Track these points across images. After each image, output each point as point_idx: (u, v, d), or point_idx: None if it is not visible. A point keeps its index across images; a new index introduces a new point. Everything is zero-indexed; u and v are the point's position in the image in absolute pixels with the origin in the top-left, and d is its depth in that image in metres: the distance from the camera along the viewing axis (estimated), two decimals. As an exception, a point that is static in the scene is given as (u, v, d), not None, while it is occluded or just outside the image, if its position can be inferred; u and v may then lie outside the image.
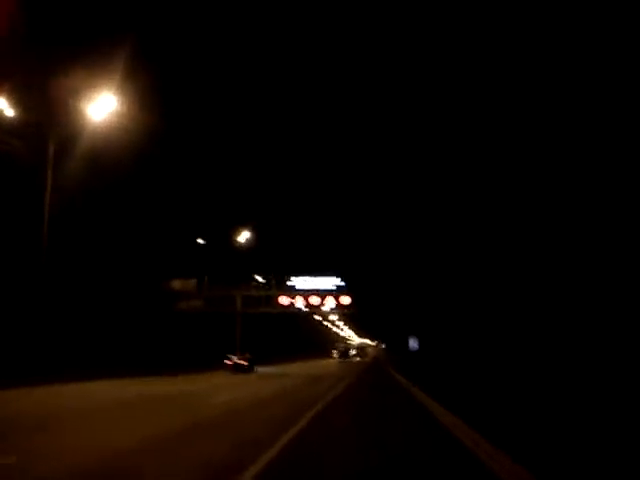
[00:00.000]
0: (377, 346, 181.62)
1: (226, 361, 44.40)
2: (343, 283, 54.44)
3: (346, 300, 53.97)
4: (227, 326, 56.61)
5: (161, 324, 52.32)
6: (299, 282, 55.05)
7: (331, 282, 54.76)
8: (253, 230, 50.88)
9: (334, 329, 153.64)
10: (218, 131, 53.49)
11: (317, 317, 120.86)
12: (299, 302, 54.43)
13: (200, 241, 49.99)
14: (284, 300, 54.52)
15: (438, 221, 46.81)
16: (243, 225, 49.96)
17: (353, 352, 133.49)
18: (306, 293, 54.41)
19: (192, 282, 55.85)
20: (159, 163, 43.66)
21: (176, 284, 55.24)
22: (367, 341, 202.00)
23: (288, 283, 55.07)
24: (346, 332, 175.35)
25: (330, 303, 54.21)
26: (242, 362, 43.86)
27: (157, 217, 49.33)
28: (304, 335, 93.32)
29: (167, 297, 54.40)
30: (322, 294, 54.15)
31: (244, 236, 50.91)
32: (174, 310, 54.57)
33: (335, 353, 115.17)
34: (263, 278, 55.57)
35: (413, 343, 43.49)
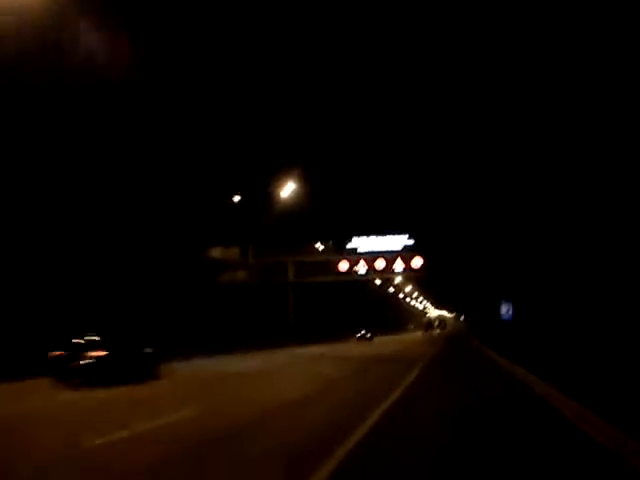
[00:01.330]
0: (455, 318, 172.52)
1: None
2: (412, 242, 45.11)
3: (417, 262, 44.70)
4: (280, 298, 48.47)
5: (204, 299, 44.86)
6: (362, 243, 46.20)
7: (399, 242, 45.66)
8: (302, 182, 42.02)
9: (408, 300, 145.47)
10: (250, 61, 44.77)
11: (390, 289, 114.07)
12: (361, 267, 45.54)
13: (237, 199, 41.77)
14: (344, 265, 45.85)
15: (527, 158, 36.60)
16: (287, 174, 41.09)
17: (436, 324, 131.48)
18: (370, 256, 45.45)
19: (234, 250, 47.94)
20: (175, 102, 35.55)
21: (216, 253, 47.34)
22: (444, 313, 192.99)
23: (349, 245, 46.30)
24: (421, 304, 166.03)
25: (398, 267, 45.13)
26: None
27: (184, 174, 41.55)
28: (373, 308, 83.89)
29: (209, 268, 46.75)
30: (389, 256, 45.03)
31: (289, 189, 42.10)
32: (217, 283, 46.85)
33: (412, 327, 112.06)
34: (320, 242, 46.85)
35: (506, 310, 33.71)
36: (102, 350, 16.30)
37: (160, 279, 38.88)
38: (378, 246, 45.78)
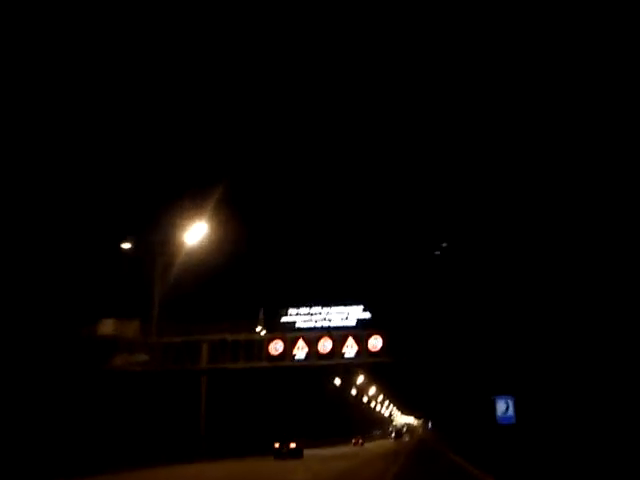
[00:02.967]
0: (423, 425, 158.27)
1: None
2: (369, 315, 33.53)
3: (376, 343, 32.93)
4: (191, 391, 35.62)
5: (83, 393, 32.37)
6: (301, 317, 34.29)
7: (352, 315, 33.87)
8: (219, 223, 30.74)
9: (373, 404, 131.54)
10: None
11: (352, 391, 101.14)
12: (300, 349, 33.44)
13: (126, 246, 30.22)
14: (277, 347, 33.63)
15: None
16: (198, 211, 29.86)
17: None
18: (313, 334, 33.61)
19: (133, 324, 35.53)
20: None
21: (107, 328, 34.89)
22: (411, 420, 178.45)
23: (284, 319, 34.37)
24: (386, 409, 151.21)
25: (350, 349, 33.09)
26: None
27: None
28: (317, 409, 70.00)
29: (93, 350, 34.24)
30: (337, 336, 33.26)
31: (198, 232, 30.55)
32: (103, 371, 34.20)
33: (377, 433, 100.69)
34: (244, 313, 34.98)
35: (504, 409, 21.92)
36: (294, 443, 36.91)
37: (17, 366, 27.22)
38: (323, 321, 34.00)
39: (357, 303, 33.74)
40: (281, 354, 33.65)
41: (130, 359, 35.53)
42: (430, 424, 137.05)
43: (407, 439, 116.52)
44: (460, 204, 32.83)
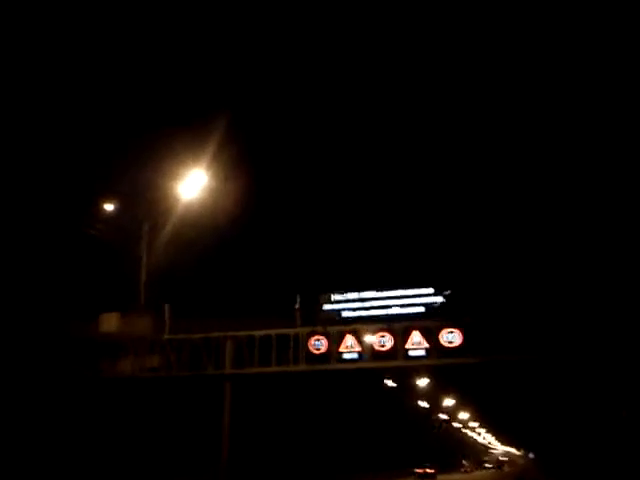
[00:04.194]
0: (524, 456, 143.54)
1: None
2: (440, 300, 24.56)
3: (452, 337, 23.82)
4: (212, 403, 27.63)
5: (78, 405, 25.83)
6: (348, 306, 25.80)
7: (417, 300, 24.96)
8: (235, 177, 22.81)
9: (467, 431, 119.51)
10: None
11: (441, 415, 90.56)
12: (349, 347, 24.95)
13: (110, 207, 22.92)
14: (318, 344, 25.28)
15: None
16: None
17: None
18: (364, 327, 25.07)
19: (144, 319, 28.27)
20: None
21: (108, 324, 27.87)
22: (512, 450, 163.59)
23: (326, 307, 25.98)
24: (481, 436, 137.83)
25: (416, 347, 24.19)
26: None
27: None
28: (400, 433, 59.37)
29: (89, 352, 27.49)
30: (398, 328, 24.57)
31: (196, 185, 22.38)
32: (104, 376, 27.30)
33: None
34: (270, 303, 27.02)
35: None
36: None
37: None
38: (379, 309, 25.36)
39: (425, 285, 24.81)
40: (324, 353, 25.25)
41: (140, 363, 28.26)
42: (532, 455, 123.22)
43: (507, 469, 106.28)
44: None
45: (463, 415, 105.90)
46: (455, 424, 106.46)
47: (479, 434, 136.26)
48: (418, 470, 54.10)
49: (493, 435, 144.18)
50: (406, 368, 25.80)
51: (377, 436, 43.23)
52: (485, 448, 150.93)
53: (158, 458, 26.76)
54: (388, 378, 53.31)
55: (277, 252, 29.12)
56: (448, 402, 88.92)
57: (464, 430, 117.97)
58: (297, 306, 26.50)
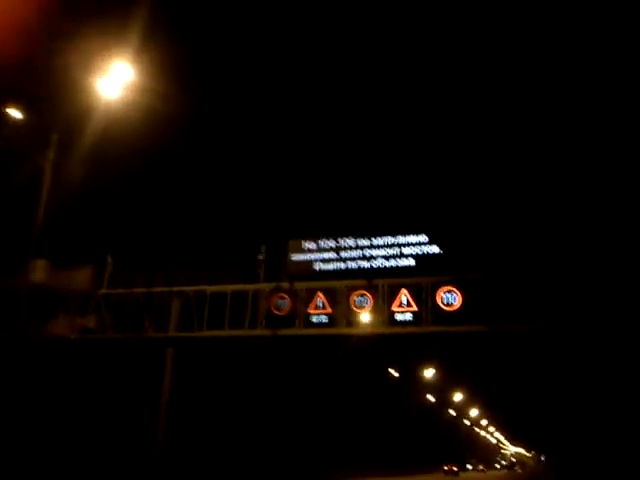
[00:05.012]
0: (534, 458, 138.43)
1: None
2: (436, 250, 19.25)
3: (450, 298, 18.56)
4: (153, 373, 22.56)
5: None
6: (322, 256, 20.59)
7: (407, 250, 19.65)
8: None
9: (478, 430, 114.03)
10: None
11: (451, 411, 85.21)
12: (320, 308, 19.82)
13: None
14: (282, 303, 20.17)
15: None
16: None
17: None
18: (339, 283, 19.94)
19: (83, 272, 23.45)
20: None
21: (39, 273, 23.09)
22: (522, 451, 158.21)
23: (295, 258, 20.82)
24: (491, 436, 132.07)
25: (405, 309, 18.99)
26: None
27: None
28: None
29: (10, 306, 22.69)
30: (382, 286, 19.40)
31: (120, 84, 17.35)
32: (31, 339, 22.52)
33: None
34: (227, 253, 22.02)
35: None
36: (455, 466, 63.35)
37: None
38: (360, 261, 20.11)
39: (416, 231, 19.51)
40: (289, 315, 20.12)
41: (74, 323, 23.40)
42: (543, 457, 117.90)
43: (519, 471, 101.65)
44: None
45: (473, 412, 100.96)
46: (465, 421, 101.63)
47: (490, 433, 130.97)
48: (445, 467, 61.81)
49: (503, 434, 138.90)
50: (391, 336, 20.57)
51: (362, 425, 36.70)
52: (496, 447, 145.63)
53: (88, 431, 21.99)
54: (390, 365, 47.78)
55: (237, 188, 23.72)
56: (457, 397, 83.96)
57: (475, 428, 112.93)
58: (261, 257, 21.37)
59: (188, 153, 22.02)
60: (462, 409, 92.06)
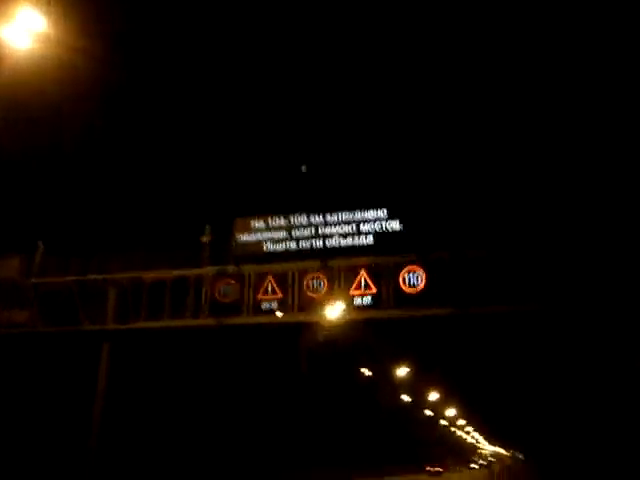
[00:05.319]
0: (512, 457, 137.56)
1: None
2: (397, 227, 17.25)
3: (413, 279, 16.60)
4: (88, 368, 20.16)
5: None
6: (272, 236, 18.47)
7: (366, 227, 17.63)
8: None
9: (454, 430, 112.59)
10: None
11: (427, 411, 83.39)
12: (270, 293, 17.70)
13: None
14: (226, 290, 18.05)
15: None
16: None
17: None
18: (291, 265, 17.84)
19: (10, 262, 21.08)
20: None
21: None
22: (500, 450, 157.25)
23: (242, 239, 18.66)
24: (469, 435, 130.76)
25: (364, 292, 16.99)
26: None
27: None
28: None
29: None
30: (338, 267, 17.36)
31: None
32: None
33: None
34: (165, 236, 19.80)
35: None
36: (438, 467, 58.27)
37: None
38: (313, 240, 18.07)
39: (376, 206, 17.51)
40: (235, 302, 18.01)
41: (3, 316, 21.00)
42: (522, 455, 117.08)
43: (497, 469, 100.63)
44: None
45: (450, 412, 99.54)
46: (442, 422, 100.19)
47: (468, 433, 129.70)
48: (429, 468, 59.87)
49: (481, 434, 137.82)
50: (350, 323, 18.51)
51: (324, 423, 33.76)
52: (473, 447, 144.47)
53: (17, 432, 19.62)
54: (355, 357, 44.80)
55: (178, 162, 21.47)
56: (433, 396, 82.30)
57: (452, 428, 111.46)
58: (205, 239, 19.22)
59: (121, 122, 19.71)
60: (438, 408, 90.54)
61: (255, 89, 21.63)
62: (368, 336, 20.49)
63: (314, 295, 17.37)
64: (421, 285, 16.55)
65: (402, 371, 61.62)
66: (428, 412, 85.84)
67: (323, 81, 22.52)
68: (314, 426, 31.92)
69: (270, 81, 21.77)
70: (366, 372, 55.97)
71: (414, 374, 63.17)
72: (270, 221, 18.27)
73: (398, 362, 57.43)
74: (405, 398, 71.45)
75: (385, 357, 48.06)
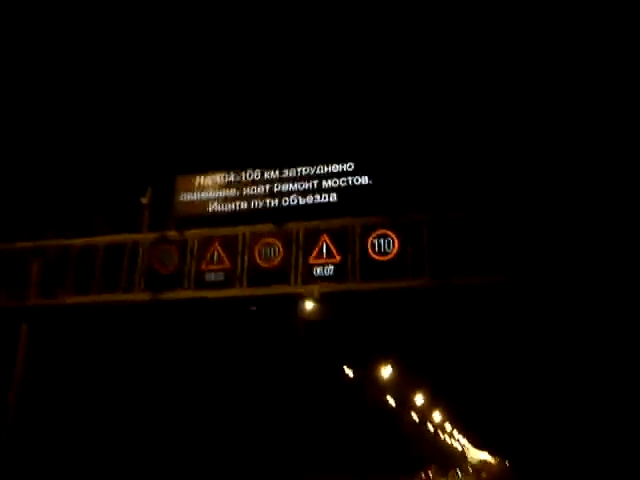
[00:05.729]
0: (499, 463, 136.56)
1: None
2: (365, 181, 14.55)
3: (383, 244, 13.84)
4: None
5: None
6: (219, 195, 15.71)
7: (328, 182, 14.93)
8: None
9: (442, 436, 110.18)
10: None
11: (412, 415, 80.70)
12: (215, 263, 14.94)
13: None
14: (165, 258, 15.27)
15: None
16: None
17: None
18: (243, 228, 15.06)
19: None
20: None
21: None
22: (487, 456, 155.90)
23: (185, 198, 15.91)
24: (456, 441, 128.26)
25: (326, 259, 14.22)
26: None
27: None
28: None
29: None
30: (295, 231, 14.56)
31: None
32: None
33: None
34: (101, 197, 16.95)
35: None
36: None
37: None
38: (267, 198, 15.36)
39: (340, 159, 14.81)
40: (175, 273, 15.22)
41: None
42: (507, 462, 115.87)
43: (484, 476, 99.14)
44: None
45: (437, 417, 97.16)
46: (429, 427, 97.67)
47: (455, 438, 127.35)
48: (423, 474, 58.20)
49: (469, 440, 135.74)
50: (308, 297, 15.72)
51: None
52: (461, 454, 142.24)
53: None
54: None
55: (115, 113, 18.65)
56: (419, 400, 79.71)
57: (439, 434, 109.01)
58: (145, 200, 16.45)
59: (54, 73, 16.95)
60: (425, 413, 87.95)
61: (196, 29, 18.95)
62: (331, 315, 17.55)
63: (266, 264, 14.61)
64: (393, 252, 13.85)
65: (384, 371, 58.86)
66: (414, 416, 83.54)
67: (280, 23, 19.82)
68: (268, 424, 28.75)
69: (213, 20, 19.09)
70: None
71: (399, 374, 60.32)
72: (217, 177, 15.53)
73: (371, 350, 52.20)
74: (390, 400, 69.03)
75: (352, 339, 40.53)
